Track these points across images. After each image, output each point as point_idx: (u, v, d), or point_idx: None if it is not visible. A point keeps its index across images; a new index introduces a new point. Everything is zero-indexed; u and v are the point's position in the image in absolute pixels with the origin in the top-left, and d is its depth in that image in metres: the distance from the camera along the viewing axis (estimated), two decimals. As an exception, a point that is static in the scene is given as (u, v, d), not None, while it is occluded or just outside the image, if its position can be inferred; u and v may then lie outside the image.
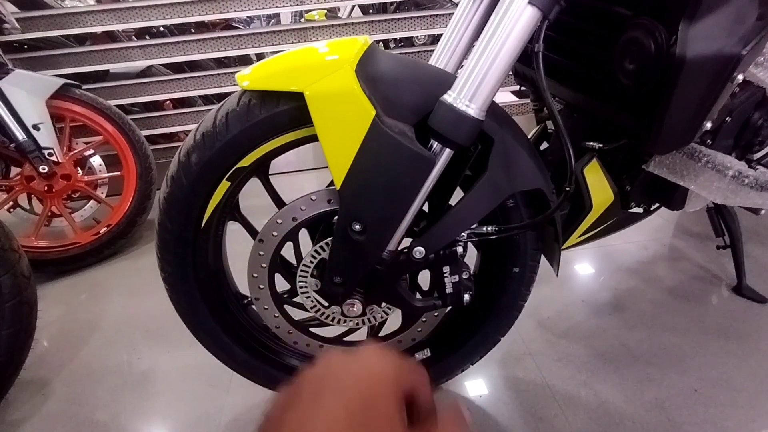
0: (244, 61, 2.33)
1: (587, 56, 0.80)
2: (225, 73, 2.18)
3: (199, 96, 2.38)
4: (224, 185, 0.71)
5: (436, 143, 0.62)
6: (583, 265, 1.40)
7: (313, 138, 0.70)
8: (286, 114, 0.66)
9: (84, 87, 1.68)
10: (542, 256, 0.86)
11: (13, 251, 0.99)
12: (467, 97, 0.59)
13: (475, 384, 1.02)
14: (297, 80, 0.62)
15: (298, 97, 0.64)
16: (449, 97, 0.60)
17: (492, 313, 0.86)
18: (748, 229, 1.47)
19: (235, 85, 2.17)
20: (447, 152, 0.62)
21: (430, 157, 0.61)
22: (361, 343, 0.89)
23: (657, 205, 1.02)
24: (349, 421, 0.27)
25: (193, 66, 2.40)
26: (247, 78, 0.67)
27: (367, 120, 0.61)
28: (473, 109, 0.59)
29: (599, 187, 0.89)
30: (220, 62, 2.50)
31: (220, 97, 2.37)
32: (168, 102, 2.48)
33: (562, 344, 1.11)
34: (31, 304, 1.01)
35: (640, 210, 1.00)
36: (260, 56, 2.31)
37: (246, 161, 0.70)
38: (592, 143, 0.88)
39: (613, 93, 0.76)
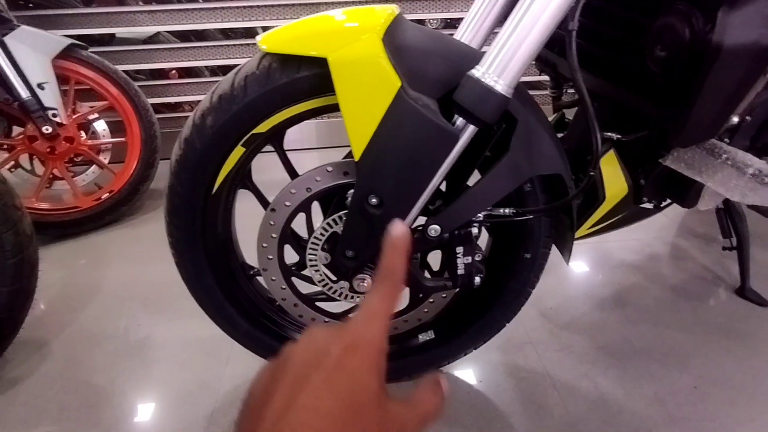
0: (251, 34, 2.29)
1: (615, 41, 0.78)
2: (233, 45, 2.14)
3: (205, 67, 2.34)
4: (239, 151, 0.70)
5: (460, 119, 0.61)
6: (586, 260, 1.40)
7: (332, 108, 0.68)
8: (306, 80, 0.65)
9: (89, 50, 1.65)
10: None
11: (15, 208, 0.97)
12: (496, 73, 0.58)
13: (475, 369, 1.02)
14: (321, 45, 0.60)
15: (320, 64, 0.62)
16: (477, 72, 0.58)
17: (499, 299, 0.85)
18: (753, 232, 1.46)
19: (241, 57, 2.14)
20: (471, 129, 0.61)
21: (455, 132, 0.60)
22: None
23: (668, 201, 1.01)
24: (336, 401, 0.27)
25: (199, 36, 2.36)
26: (268, 41, 0.65)
27: (392, 91, 0.59)
28: (501, 85, 0.58)
29: (614, 179, 0.88)
30: (226, 35, 2.46)
31: (225, 70, 2.33)
32: (174, 71, 2.45)
33: (564, 335, 1.11)
34: (33, 263, 1.00)
35: (650, 206, 0.99)
36: (267, 30, 2.27)
37: (262, 127, 0.68)
38: (610, 134, 0.87)
39: (639, 81, 0.75)
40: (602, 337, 1.10)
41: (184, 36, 2.28)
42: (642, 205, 0.97)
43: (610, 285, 1.29)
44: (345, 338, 0.31)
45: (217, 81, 0.70)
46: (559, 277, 1.33)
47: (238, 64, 0.68)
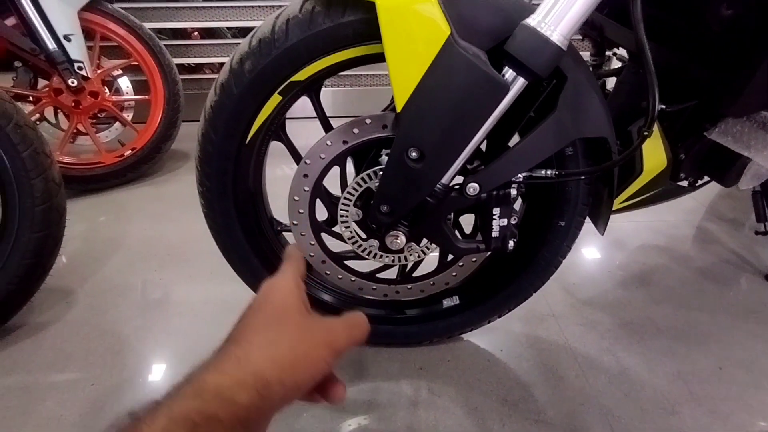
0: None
1: (672, 2, 0.74)
2: (255, 6, 2.10)
3: (227, 29, 2.31)
4: (275, 99, 0.68)
5: (510, 72, 0.58)
6: (611, 238, 1.38)
7: (375, 58, 0.66)
8: (350, 26, 0.62)
9: (113, 5, 1.62)
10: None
11: (45, 155, 0.97)
12: (553, 22, 0.55)
13: (496, 337, 1.01)
14: (369, -12, 0.58)
15: (366, 8, 0.60)
16: (533, 21, 0.56)
17: (530, 266, 0.84)
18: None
19: (263, 19, 2.09)
20: (520, 82, 0.58)
21: (504, 83, 0.57)
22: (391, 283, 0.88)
23: (704, 180, 0.98)
24: (265, 314, 0.41)
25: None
26: (312, -17, 0.62)
27: (441, 38, 0.56)
28: (557, 36, 0.55)
29: (654, 152, 0.85)
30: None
31: (247, 32, 2.29)
32: (195, 33, 2.41)
33: (587, 310, 1.10)
34: (61, 210, 1.00)
35: (685, 183, 0.96)
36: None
37: (301, 75, 0.66)
38: (654, 103, 0.83)
39: (695, 44, 0.71)
40: (625, 315, 1.09)
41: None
42: (678, 183, 0.94)
43: (635, 264, 1.27)
44: (265, 285, 0.45)
45: (238, 43, 0.68)
46: (582, 254, 1.31)
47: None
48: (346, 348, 0.42)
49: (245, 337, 0.38)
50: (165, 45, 1.69)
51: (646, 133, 0.59)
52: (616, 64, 1.07)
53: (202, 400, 0.32)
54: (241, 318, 0.42)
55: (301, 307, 0.42)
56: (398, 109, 0.60)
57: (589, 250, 1.33)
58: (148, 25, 1.91)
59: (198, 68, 2.36)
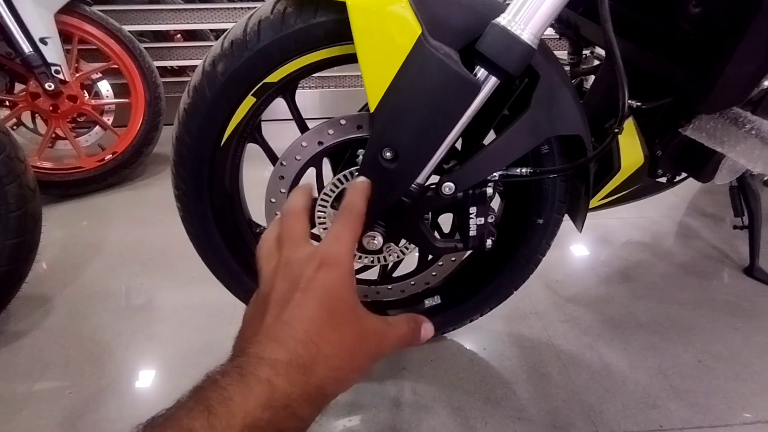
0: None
1: (644, 1, 0.75)
2: (239, 8, 2.09)
3: (211, 30, 2.29)
4: (249, 101, 0.67)
5: (482, 71, 0.58)
6: (594, 235, 1.39)
7: (348, 58, 0.66)
8: (322, 27, 0.62)
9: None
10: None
11: (19, 161, 0.96)
12: (523, 21, 0.55)
13: (479, 336, 1.02)
14: (339, -12, 0.57)
15: (337, 9, 0.59)
16: (503, 20, 0.56)
17: (509, 264, 0.84)
18: (766, 212, 1.45)
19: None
20: (492, 81, 0.58)
21: (476, 82, 0.57)
22: (372, 284, 0.88)
23: (682, 176, 0.99)
24: (315, 308, 0.35)
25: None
26: (283, -17, 0.62)
27: (412, 38, 0.56)
28: (527, 34, 0.55)
29: (630, 149, 0.86)
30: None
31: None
32: (179, 35, 2.40)
33: (569, 307, 1.11)
34: (36, 217, 0.98)
35: (664, 180, 0.97)
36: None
37: (275, 76, 0.66)
38: (630, 101, 0.84)
39: (668, 43, 0.72)
40: (607, 311, 1.10)
41: (189, -1, 2.23)
42: (656, 179, 0.95)
43: (617, 261, 1.28)
44: (315, 260, 0.37)
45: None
46: (565, 252, 1.32)
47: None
48: (390, 353, 0.40)
49: (309, 337, 0.34)
50: (146, 48, 1.67)
51: (616, 130, 0.59)
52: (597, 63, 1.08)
53: (274, 411, 0.32)
54: (276, 300, 0.36)
55: (357, 302, 0.39)
56: (371, 110, 0.60)
57: (572, 248, 1.34)
58: (128, 28, 1.89)
59: (182, 71, 2.34)
